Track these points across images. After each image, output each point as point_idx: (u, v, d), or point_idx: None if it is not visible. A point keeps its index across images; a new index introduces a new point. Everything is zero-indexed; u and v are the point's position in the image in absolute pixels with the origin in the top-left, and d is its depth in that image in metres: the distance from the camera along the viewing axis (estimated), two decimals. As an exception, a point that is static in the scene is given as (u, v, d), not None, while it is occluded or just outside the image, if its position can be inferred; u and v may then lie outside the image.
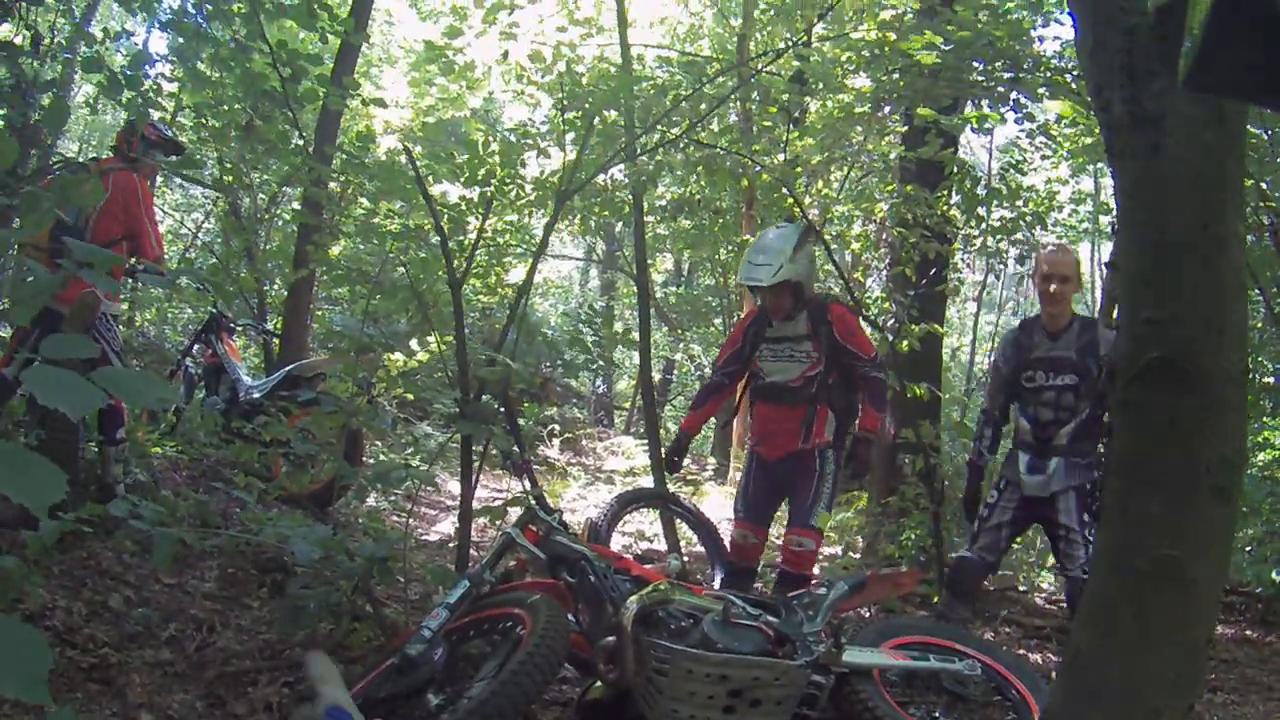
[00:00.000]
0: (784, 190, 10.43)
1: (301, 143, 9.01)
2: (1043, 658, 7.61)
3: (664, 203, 15.97)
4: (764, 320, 7.19)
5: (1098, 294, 19.96)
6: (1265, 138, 8.76)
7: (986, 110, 9.59)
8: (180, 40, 6.85)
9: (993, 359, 6.46)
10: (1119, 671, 2.73)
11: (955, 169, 10.30)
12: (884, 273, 12.26)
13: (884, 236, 11.92)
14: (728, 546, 7.66)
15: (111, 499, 4.76)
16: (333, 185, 9.74)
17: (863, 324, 7.79)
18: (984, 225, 11.01)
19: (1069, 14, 3.37)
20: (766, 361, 7.15)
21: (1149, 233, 2.81)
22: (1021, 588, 10.05)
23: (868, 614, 7.76)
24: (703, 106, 8.85)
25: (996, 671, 5.20)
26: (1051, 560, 12.36)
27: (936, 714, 5.09)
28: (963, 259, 12.83)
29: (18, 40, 6.39)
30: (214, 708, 4.69)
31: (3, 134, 4.17)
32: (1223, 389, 2.69)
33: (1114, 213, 4.28)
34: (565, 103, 7.77)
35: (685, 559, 7.89)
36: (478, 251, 8.05)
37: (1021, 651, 7.62)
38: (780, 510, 7.72)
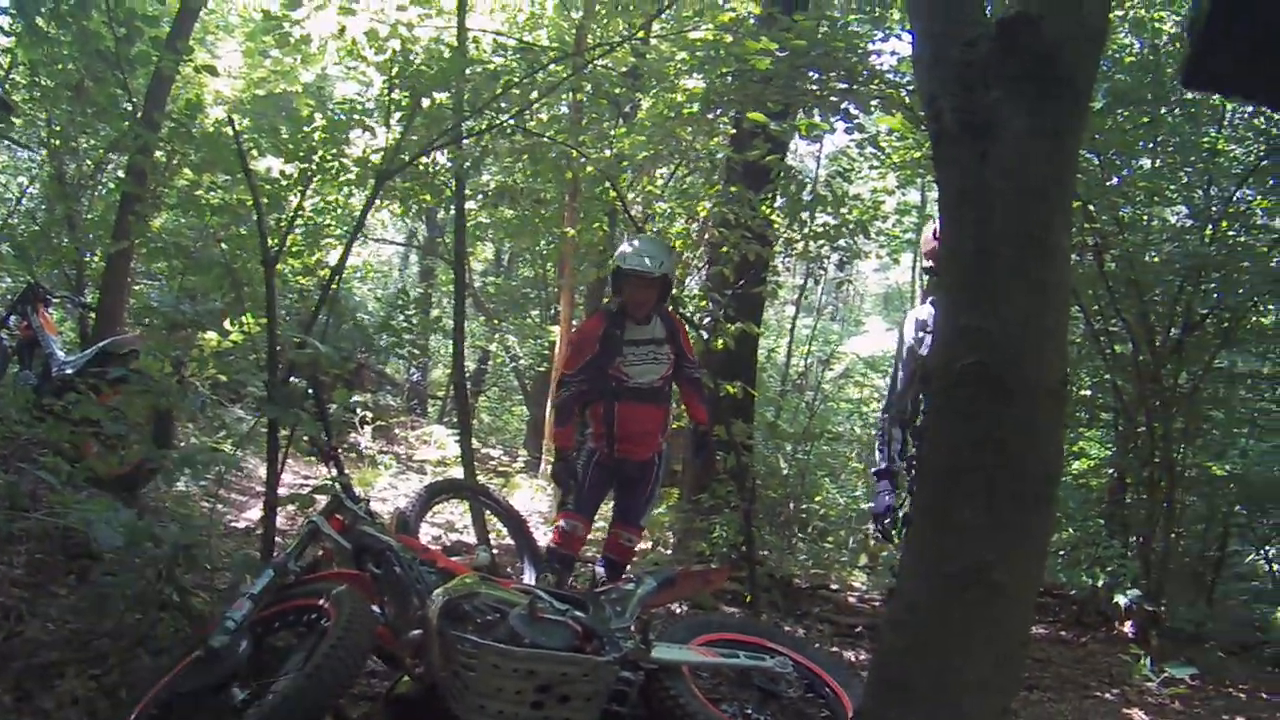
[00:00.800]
0: (608, 184, 10.47)
1: (131, 107, 8.81)
2: (855, 655, 7.77)
3: (487, 191, 15.94)
4: (618, 324, 7.29)
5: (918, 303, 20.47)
6: (1097, 162, 9.05)
7: (817, 119, 9.72)
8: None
9: (897, 350, 6.29)
10: (929, 674, 2.79)
11: (781, 173, 10.45)
12: (702, 272, 12.37)
13: (704, 236, 12.01)
14: (555, 539, 7.63)
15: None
16: (158, 154, 9.54)
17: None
18: (806, 230, 11.18)
19: (909, 31, 3.44)
20: (630, 365, 7.25)
21: (972, 240, 2.87)
22: (834, 586, 10.24)
23: (679, 610, 7.84)
24: (533, 95, 8.85)
25: (808, 669, 5.30)
26: (864, 559, 12.67)
27: (749, 710, 5.16)
28: (783, 262, 13.01)
29: None
30: (21, 701, 4.59)
31: None
32: (1040, 399, 2.75)
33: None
34: (395, 81, 7.71)
35: (495, 552, 7.90)
36: (296, 230, 7.95)
37: (834, 649, 7.79)
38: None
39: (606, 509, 8.15)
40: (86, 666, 4.91)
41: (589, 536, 7.81)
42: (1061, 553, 11.09)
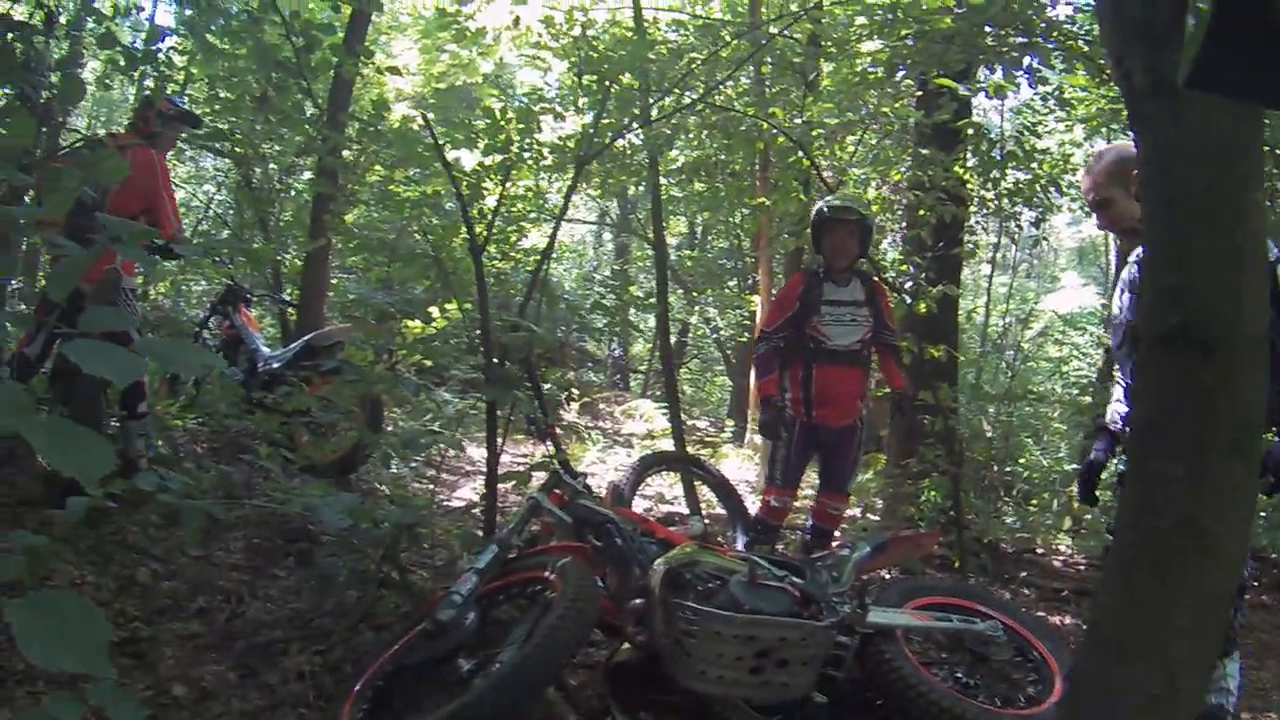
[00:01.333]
0: (800, 154, 10.39)
1: (316, 112, 9.01)
2: (1061, 620, 7.63)
3: (678, 166, 15.95)
4: (817, 285, 7.33)
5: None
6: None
7: (1000, 79, 9.53)
8: (189, 13, 6.84)
9: (1120, 306, 5.35)
10: (1142, 630, 2.74)
11: (970, 132, 10.27)
12: (899, 236, 12.24)
13: (900, 200, 11.87)
14: (762, 511, 7.71)
15: (135, 473, 4.77)
16: (346, 154, 9.76)
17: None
18: (999, 188, 10.97)
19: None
20: (828, 325, 7.28)
21: (1167, 201, 2.81)
22: (1039, 550, 10.05)
23: (888, 575, 7.78)
24: (718, 72, 8.84)
25: (1018, 633, 5.21)
26: (1069, 522, 12.40)
27: (959, 674, 5.09)
28: (978, 222, 12.78)
29: (30, 19, 6.40)
30: (246, 678, 4.71)
31: (20, 112, 4.18)
32: (1241, 353, 2.70)
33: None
34: (581, 68, 7.76)
35: (706, 521, 7.93)
36: (497, 219, 8.06)
37: (1041, 613, 7.65)
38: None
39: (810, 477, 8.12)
40: (309, 644, 5.04)
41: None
42: (1263, 514, 10.71)
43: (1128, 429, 6.01)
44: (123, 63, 6.38)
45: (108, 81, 11.85)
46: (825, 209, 7.33)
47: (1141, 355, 2.89)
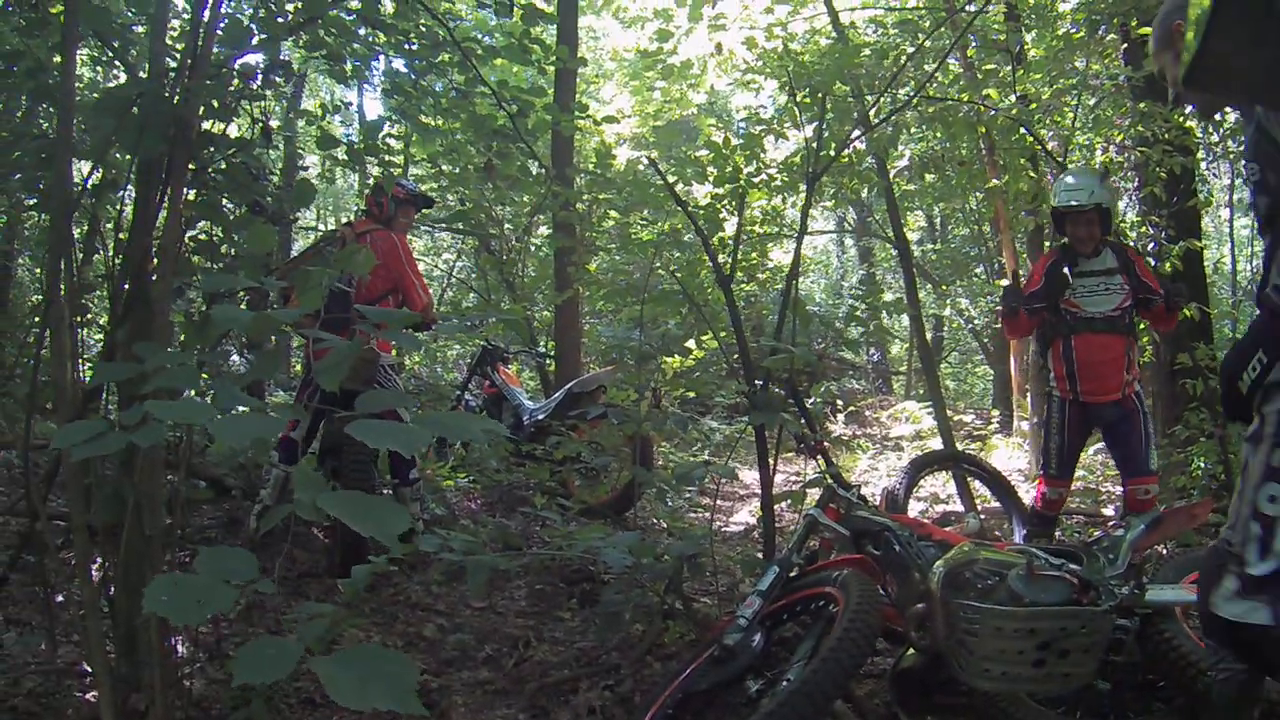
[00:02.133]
0: (1022, 130, 10.27)
1: (541, 171, 9.28)
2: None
3: (906, 163, 15.85)
4: (1066, 260, 7.24)
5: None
6: None
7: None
8: (397, 99, 7.12)
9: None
10: None
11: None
12: (1133, 195, 11.96)
13: (1127, 159, 11.60)
14: (1036, 503, 7.64)
15: (411, 538, 5.01)
16: (580, 205, 10.02)
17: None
18: (1223, 129, 10.64)
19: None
20: (1081, 296, 7.22)
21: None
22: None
23: (1164, 550, 7.61)
24: (926, 66, 8.81)
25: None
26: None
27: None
28: (1207, 168, 12.41)
29: (243, 133, 6.79)
30: (537, 718, 4.87)
31: (256, 221, 4.48)
32: None
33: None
34: (792, 85, 7.81)
35: (983, 516, 7.88)
36: (741, 248, 8.17)
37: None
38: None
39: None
40: (598, 679, 5.18)
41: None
42: None
43: None
44: (344, 158, 6.69)
45: (332, 176, 12.42)
46: (1056, 202, 7.26)
47: None
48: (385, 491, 8.07)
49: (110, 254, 4.60)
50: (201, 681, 4.58)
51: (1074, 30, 10.26)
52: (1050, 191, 7.52)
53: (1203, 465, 9.65)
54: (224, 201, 5.26)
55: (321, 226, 22.98)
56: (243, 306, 6.37)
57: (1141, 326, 7.83)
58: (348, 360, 2.92)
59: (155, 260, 4.02)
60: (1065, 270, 7.16)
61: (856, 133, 8.47)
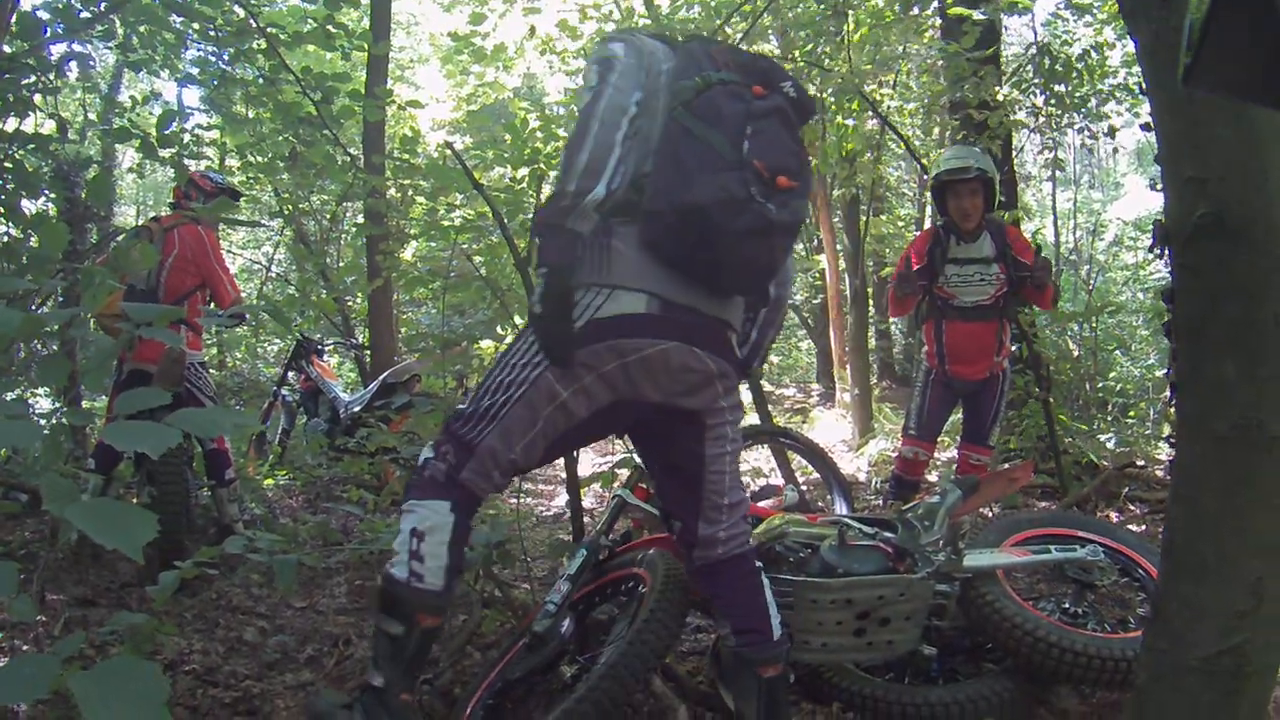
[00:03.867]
0: (845, 101, 10.33)
1: (349, 159, 9.10)
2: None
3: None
4: (943, 241, 7.25)
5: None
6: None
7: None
8: (209, 87, 6.93)
9: None
10: (1214, 543, 2.67)
11: (997, 53, 10.17)
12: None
13: (945, 129, 11.75)
14: (895, 463, 7.82)
15: (230, 538, 4.88)
16: (391, 192, 9.84)
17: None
18: (1045, 98, 10.84)
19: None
20: (955, 285, 7.25)
21: (1173, 91, 2.76)
22: (1140, 463, 9.91)
23: (989, 513, 7.72)
24: (742, 44, 8.81)
25: (1120, 552, 5.12)
26: (1167, 429, 12.23)
27: (1065, 605, 5.03)
28: (1027, 137, 12.65)
29: (44, 129, 6.54)
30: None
31: (49, 220, 4.28)
32: (1276, 238, 2.64)
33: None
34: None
35: (805, 489, 7.91)
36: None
37: (1144, 528, 7.57)
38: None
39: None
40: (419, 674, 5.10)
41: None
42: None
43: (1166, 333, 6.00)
44: (145, 150, 6.49)
45: (143, 170, 12.10)
46: (939, 170, 7.26)
47: (1176, 254, 2.84)
48: (204, 493, 7.95)
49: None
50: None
51: (888, 9, 10.36)
52: (862, 166, 7.54)
53: (1029, 427, 9.82)
54: (24, 201, 5.04)
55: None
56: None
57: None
58: (108, 359, 2.78)
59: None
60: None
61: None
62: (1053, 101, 10.82)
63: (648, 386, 3.48)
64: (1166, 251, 2.86)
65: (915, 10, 10.40)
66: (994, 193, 7.21)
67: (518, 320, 7.25)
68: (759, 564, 3.95)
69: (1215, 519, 2.68)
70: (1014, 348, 8.41)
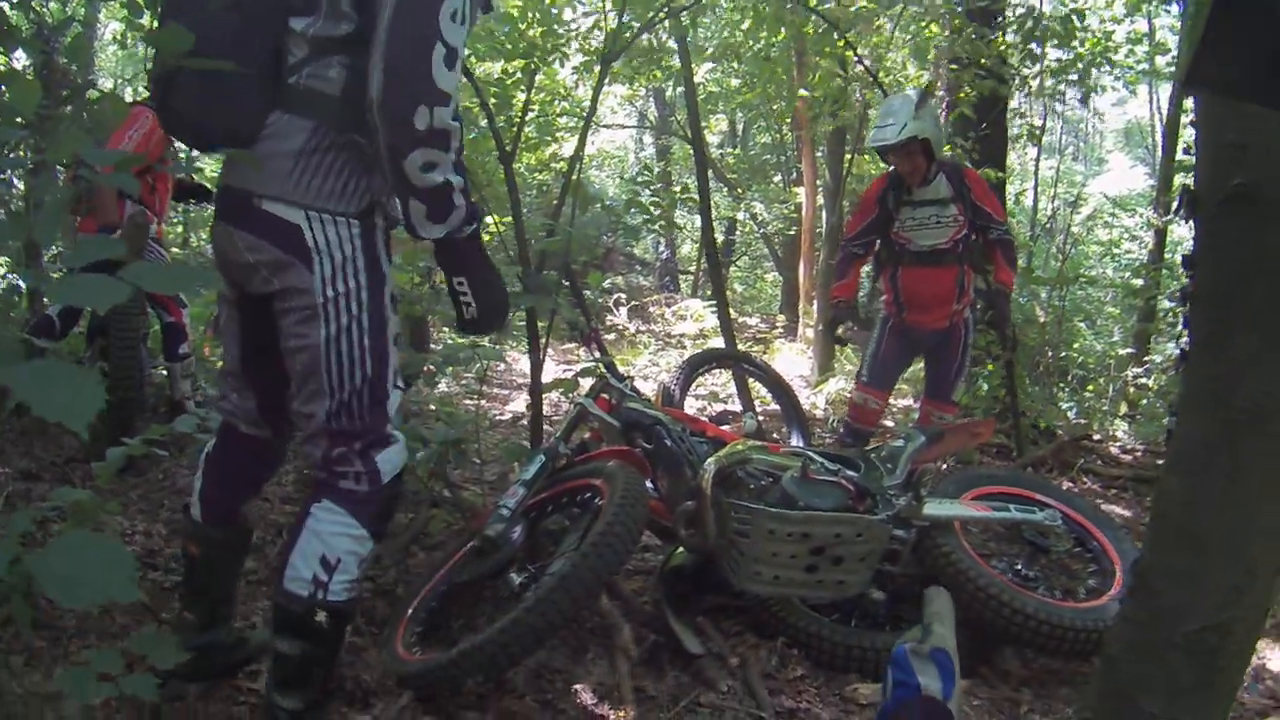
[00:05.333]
0: (835, 35, 10.16)
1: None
2: (1121, 508, 7.55)
3: (713, 56, 15.74)
4: (897, 187, 7.10)
5: (1159, 138, 19.51)
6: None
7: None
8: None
9: None
10: (1221, 521, 2.60)
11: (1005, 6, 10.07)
12: (942, 116, 12.08)
13: (939, 81, 11.63)
14: (848, 409, 7.72)
15: (181, 416, 4.74)
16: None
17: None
18: (1042, 66, 10.76)
19: None
20: (910, 229, 7.10)
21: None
22: (1096, 437, 9.92)
23: (944, 466, 7.69)
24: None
25: (1077, 522, 5.10)
26: (1124, 408, 12.27)
27: (1018, 566, 5.01)
28: (1022, 101, 12.57)
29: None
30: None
31: (22, 77, 4.09)
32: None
33: (1171, 53, 4.05)
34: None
35: (761, 418, 7.85)
36: (527, 126, 7.93)
37: (1098, 501, 7.56)
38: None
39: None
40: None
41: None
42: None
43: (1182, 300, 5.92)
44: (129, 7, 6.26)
45: (125, 40, 11.82)
46: (871, 143, 7.18)
47: (1204, 222, 2.75)
48: (160, 370, 7.89)
49: None
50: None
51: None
52: (847, 104, 7.41)
53: (987, 387, 9.81)
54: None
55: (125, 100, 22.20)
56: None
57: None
58: (63, 207, 2.64)
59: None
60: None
61: (660, 20, 8.27)
62: (1051, 66, 10.74)
63: None
64: (1192, 220, 2.76)
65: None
66: (935, 151, 6.97)
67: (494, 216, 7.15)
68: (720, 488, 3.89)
69: (1223, 496, 2.60)
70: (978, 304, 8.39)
